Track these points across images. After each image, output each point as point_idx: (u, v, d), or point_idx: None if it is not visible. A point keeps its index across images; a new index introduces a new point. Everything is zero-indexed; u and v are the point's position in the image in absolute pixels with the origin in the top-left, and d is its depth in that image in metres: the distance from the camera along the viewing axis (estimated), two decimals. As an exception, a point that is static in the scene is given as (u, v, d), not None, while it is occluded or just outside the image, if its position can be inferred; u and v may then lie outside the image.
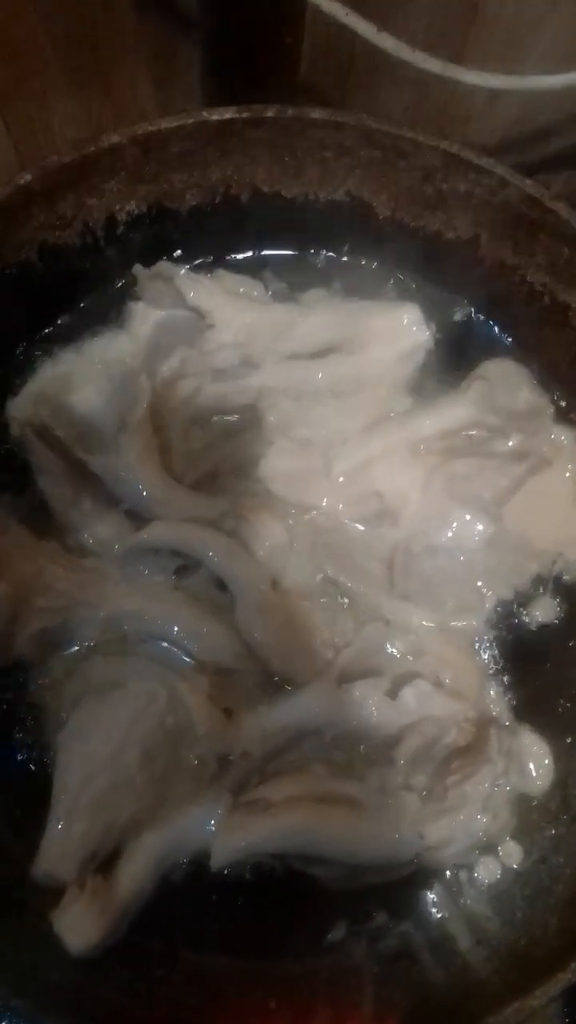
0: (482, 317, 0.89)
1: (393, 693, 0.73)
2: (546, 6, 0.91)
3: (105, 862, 0.69)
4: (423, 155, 0.79)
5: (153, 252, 0.86)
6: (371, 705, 0.73)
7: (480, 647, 0.78)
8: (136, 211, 0.83)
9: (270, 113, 0.77)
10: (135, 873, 0.69)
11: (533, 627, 0.80)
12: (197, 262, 0.88)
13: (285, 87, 0.99)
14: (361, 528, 0.79)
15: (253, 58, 0.97)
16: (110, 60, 0.95)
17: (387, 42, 0.82)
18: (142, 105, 1.02)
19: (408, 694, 0.73)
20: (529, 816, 0.75)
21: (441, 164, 0.79)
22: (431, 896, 0.73)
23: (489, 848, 0.73)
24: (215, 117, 0.77)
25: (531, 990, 0.62)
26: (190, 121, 0.76)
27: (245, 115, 0.77)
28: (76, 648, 0.76)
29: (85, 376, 0.80)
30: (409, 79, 0.88)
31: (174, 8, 0.91)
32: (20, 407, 0.80)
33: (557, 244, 0.79)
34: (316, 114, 0.78)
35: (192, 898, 0.70)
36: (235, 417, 0.81)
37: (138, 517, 0.78)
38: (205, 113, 0.77)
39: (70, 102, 0.99)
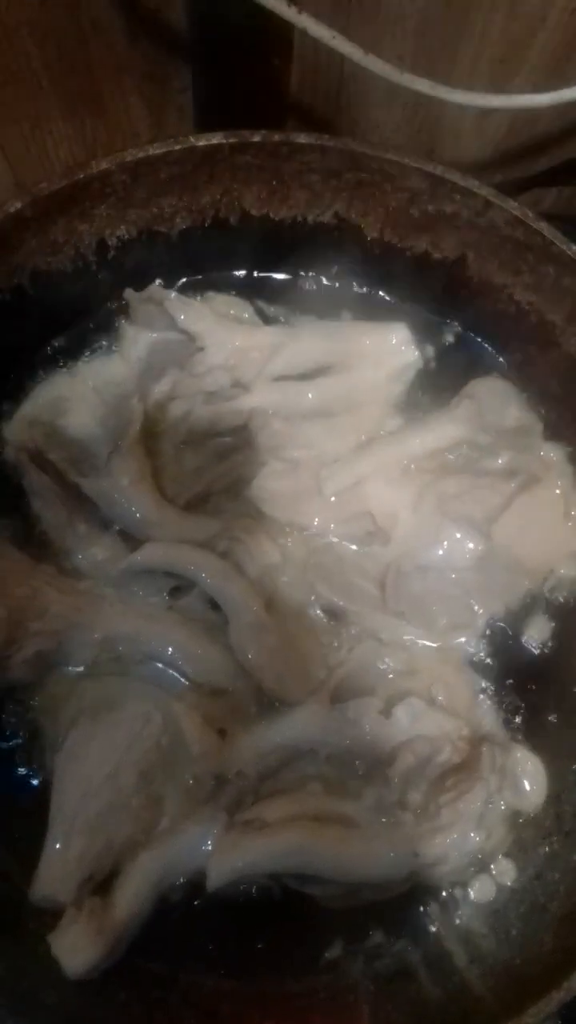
0: (471, 336, 0.90)
1: (386, 711, 0.74)
2: (534, 24, 0.91)
3: (102, 883, 0.69)
4: (409, 177, 0.80)
5: (144, 275, 0.87)
6: (365, 724, 0.73)
7: (473, 664, 0.79)
8: (127, 235, 0.84)
9: (257, 138, 0.78)
10: (132, 894, 0.69)
11: (525, 644, 0.80)
12: (188, 284, 0.89)
13: (276, 108, 1.00)
14: (353, 547, 0.80)
15: (243, 80, 0.98)
16: (103, 82, 0.95)
17: (375, 64, 0.83)
18: (135, 126, 1.03)
19: (401, 712, 0.73)
20: (523, 833, 0.75)
21: (426, 186, 0.80)
22: (427, 914, 0.73)
23: (484, 865, 0.74)
24: (202, 143, 0.78)
25: (525, 1008, 0.63)
26: (178, 147, 0.77)
27: (232, 140, 0.78)
28: (72, 670, 0.76)
29: (78, 399, 0.81)
30: (399, 98, 0.89)
31: (165, 31, 0.92)
32: (14, 431, 0.81)
33: (543, 263, 0.80)
34: (302, 139, 0.78)
35: (189, 918, 0.70)
36: (227, 438, 0.82)
37: (132, 539, 0.79)
38: (192, 139, 0.78)
39: (64, 124, 0.99)
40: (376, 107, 1.01)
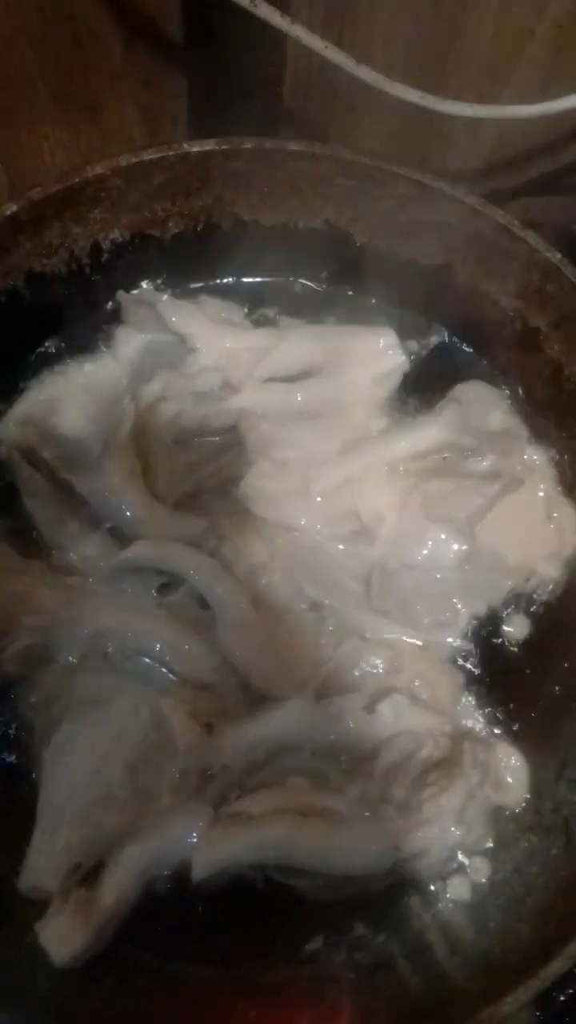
0: (456, 341, 0.92)
1: (370, 708, 0.75)
2: (523, 36, 0.93)
3: (89, 874, 0.70)
4: (397, 185, 0.81)
5: (137, 278, 0.88)
6: (349, 720, 0.74)
7: (456, 662, 0.80)
8: (120, 239, 0.85)
9: (249, 145, 0.80)
10: (118, 884, 0.70)
11: (507, 642, 0.82)
12: (180, 287, 0.90)
13: (270, 115, 1.01)
14: (339, 547, 0.81)
15: (237, 88, 0.99)
16: (99, 88, 0.97)
17: (365, 74, 0.84)
18: (130, 131, 1.04)
19: (385, 709, 0.75)
20: (504, 827, 0.76)
21: (415, 194, 0.82)
22: (408, 906, 0.74)
23: (465, 860, 0.75)
24: (195, 149, 0.79)
25: (502, 998, 0.64)
26: (171, 153, 0.79)
27: (224, 147, 0.80)
28: (61, 665, 0.77)
29: (70, 399, 0.82)
30: (390, 107, 0.90)
31: (160, 39, 0.93)
32: (7, 430, 0.82)
33: (527, 271, 0.82)
34: (293, 146, 0.80)
35: (174, 909, 0.71)
36: (216, 439, 0.83)
37: (122, 536, 0.80)
38: (186, 145, 0.79)
39: (60, 128, 1.00)
40: (368, 115, 1.02)
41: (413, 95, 0.86)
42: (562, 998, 0.76)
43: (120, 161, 0.78)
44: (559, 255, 0.80)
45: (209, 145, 0.79)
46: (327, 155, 0.81)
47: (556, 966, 0.64)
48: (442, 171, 1.06)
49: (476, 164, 1.10)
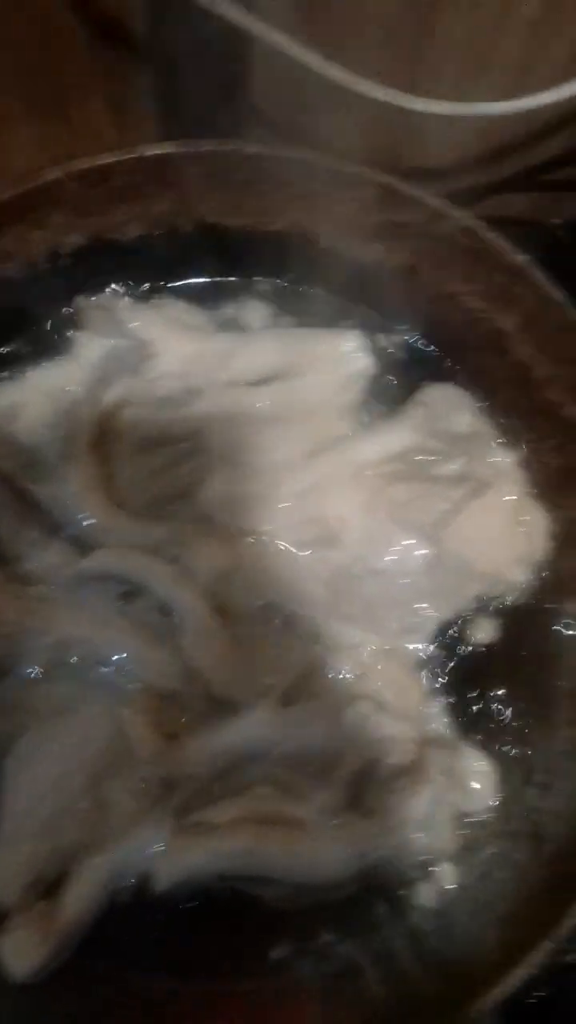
0: (423, 343, 0.91)
1: (336, 715, 0.74)
2: (497, 31, 0.92)
3: (50, 886, 0.70)
4: (360, 187, 0.80)
5: (98, 282, 0.87)
6: (314, 727, 0.74)
7: (422, 667, 0.80)
8: (79, 243, 0.84)
9: (208, 147, 0.79)
10: (80, 897, 0.69)
11: (474, 647, 0.81)
12: (141, 291, 0.89)
13: (239, 113, 1.00)
14: (304, 552, 0.81)
15: (204, 85, 0.98)
16: (67, 87, 0.96)
17: (333, 72, 0.83)
18: (99, 129, 1.03)
19: (350, 715, 0.74)
20: (471, 833, 0.76)
21: (378, 196, 0.81)
22: (375, 914, 0.74)
23: (431, 866, 0.74)
24: (154, 152, 0.78)
25: (467, 1005, 0.64)
26: (128, 157, 0.77)
27: (183, 150, 0.78)
28: (24, 675, 0.77)
29: (29, 406, 0.81)
30: (361, 103, 0.89)
31: (125, 37, 0.92)
32: (-35, 438, 0.81)
33: (493, 273, 0.81)
34: (253, 148, 0.79)
35: (138, 920, 0.71)
36: (179, 445, 0.82)
37: (83, 544, 0.79)
38: (144, 148, 0.78)
39: (28, 127, 0.99)
40: (339, 113, 1.01)
41: (383, 93, 0.85)
42: (531, 1000, 0.77)
43: (77, 165, 0.77)
44: (525, 256, 0.79)
45: (167, 148, 0.78)
46: (288, 157, 0.80)
47: (519, 973, 0.65)
48: (417, 168, 1.07)
49: (451, 161, 1.09)
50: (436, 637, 0.81)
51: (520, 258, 0.79)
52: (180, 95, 1.00)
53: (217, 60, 0.93)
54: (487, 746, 0.78)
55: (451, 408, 0.86)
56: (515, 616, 0.82)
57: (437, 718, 0.79)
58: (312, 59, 0.83)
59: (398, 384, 0.88)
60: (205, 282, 0.91)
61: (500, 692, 0.81)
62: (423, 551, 0.80)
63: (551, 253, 0.82)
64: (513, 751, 0.79)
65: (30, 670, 0.76)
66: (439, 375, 0.89)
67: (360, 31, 0.89)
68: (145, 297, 0.87)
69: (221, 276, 0.91)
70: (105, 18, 0.85)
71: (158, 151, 0.78)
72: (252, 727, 0.74)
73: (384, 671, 0.78)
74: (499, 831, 0.76)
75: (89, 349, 0.82)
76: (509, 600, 0.82)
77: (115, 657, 0.76)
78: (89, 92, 0.97)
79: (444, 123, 1.00)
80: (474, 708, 0.80)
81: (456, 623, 0.81)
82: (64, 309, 0.86)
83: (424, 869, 0.74)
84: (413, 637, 0.80)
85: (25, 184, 0.76)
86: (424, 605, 0.80)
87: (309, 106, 1.00)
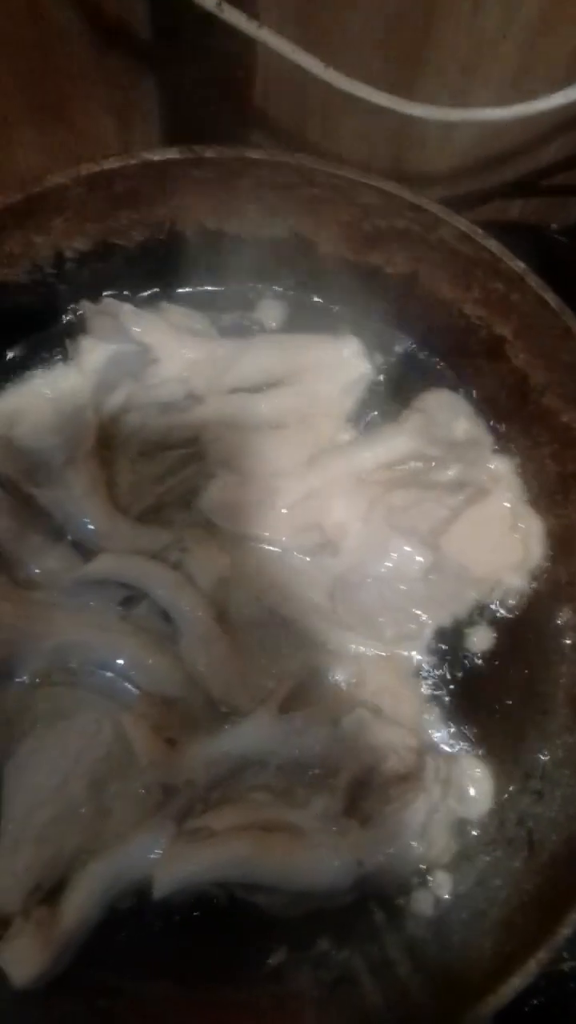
0: (422, 349, 0.91)
1: (334, 722, 0.74)
2: (496, 36, 0.92)
3: (50, 893, 0.70)
4: (361, 193, 0.81)
5: (101, 287, 0.87)
6: (312, 734, 0.74)
7: (419, 674, 0.80)
8: (83, 248, 0.84)
9: (210, 154, 0.79)
10: (80, 904, 0.69)
11: (472, 654, 0.81)
12: (144, 296, 0.89)
13: (242, 118, 1.00)
14: (303, 559, 0.81)
15: (208, 90, 0.98)
16: (71, 91, 0.96)
17: (334, 77, 0.84)
18: (103, 134, 1.03)
19: (348, 723, 0.74)
20: (468, 840, 0.76)
21: (378, 202, 0.81)
22: (372, 922, 0.74)
23: (428, 874, 0.74)
24: (157, 157, 0.78)
25: (463, 1014, 0.64)
26: (132, 162, 0.78)
27: (186, 155, 0.78)
28: (24, 680, 0.76)
29: (33, 410, 0.81)
30: (363, 110, 0.90)
31: (129, 42, 0.92)
32: (-33, 442, 0.81)
33: (491, 279, 0.82)
34: (255, 154, 0.79)
35: (136, 927, 0.71)
36: (180, 450, 0.82)
37: (85, 549, 0.79)
38: (147, 154, 0.78)
39: (33, 131, 0.99)
40: (340, 118, 1.02)
41: (383, 98, 0.85)
42: (527, 1009, 0.77)
43: (81, 170, 0.77)
44: (523, 264, 0.80)
45: (170, 154, 0.78)
46: (290, 163, 0.80)
47: (515, 982, 0.64)
48: (417, 173, 1.07)
49: (452, 166, 1.10)
50: (433, 644, 0.81)
51: (518, 265, 0.80)
52: (183, 101, 1.00)
53: (220, 66, 0.93)
54: (483, 752, 0.79)
55: (449, 415, 0.86)
56: (512, 623, 0.83)
57: (434, 724, 0.79)
58: (313, 65, 0.83)
59: (397, 390, 0.88)
60: (208, 287, 0.91)
61: (496, 698, 0.81)
62: (420, 558, 0.80)
63: (549, 259, 0.82)
64: (509, 758, 0.79)
65: (31, 675, 0.76)
66: (437, 381, 0.90)
67: (361, 37, 0.89)
68: (148, 302, 0.87)
69: (223, 282, 0.91)
70: (109, 23, 0.85)
71: (161, 156, 0.78)
72: (251, 734, 0.74)
73: (381, 678, 0.79)
74: (495, 838, 0.76)
75: (92, 354, 0.82)
76: (506, 606, 0.83)
77: (116, 663, 0.76)
78: (93, 97, 0.97)
79: (444, 128, 1.01)
80: (470, 714, 0.80)
81: (453, 629, 0.82)
82: (67, 314, 0.86)
83: (421, 877, 0.74)
84: (410, 644, 0.80)
85: (29, 189, 0.76)
86: (422, 612, 0.80)
87: (312, 112, 1.01)
